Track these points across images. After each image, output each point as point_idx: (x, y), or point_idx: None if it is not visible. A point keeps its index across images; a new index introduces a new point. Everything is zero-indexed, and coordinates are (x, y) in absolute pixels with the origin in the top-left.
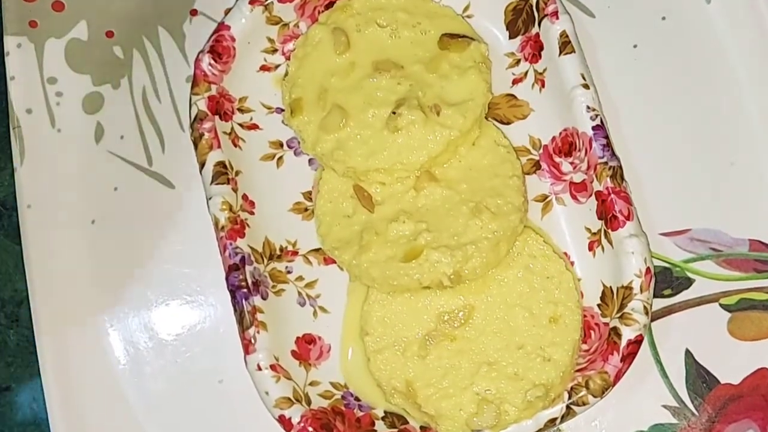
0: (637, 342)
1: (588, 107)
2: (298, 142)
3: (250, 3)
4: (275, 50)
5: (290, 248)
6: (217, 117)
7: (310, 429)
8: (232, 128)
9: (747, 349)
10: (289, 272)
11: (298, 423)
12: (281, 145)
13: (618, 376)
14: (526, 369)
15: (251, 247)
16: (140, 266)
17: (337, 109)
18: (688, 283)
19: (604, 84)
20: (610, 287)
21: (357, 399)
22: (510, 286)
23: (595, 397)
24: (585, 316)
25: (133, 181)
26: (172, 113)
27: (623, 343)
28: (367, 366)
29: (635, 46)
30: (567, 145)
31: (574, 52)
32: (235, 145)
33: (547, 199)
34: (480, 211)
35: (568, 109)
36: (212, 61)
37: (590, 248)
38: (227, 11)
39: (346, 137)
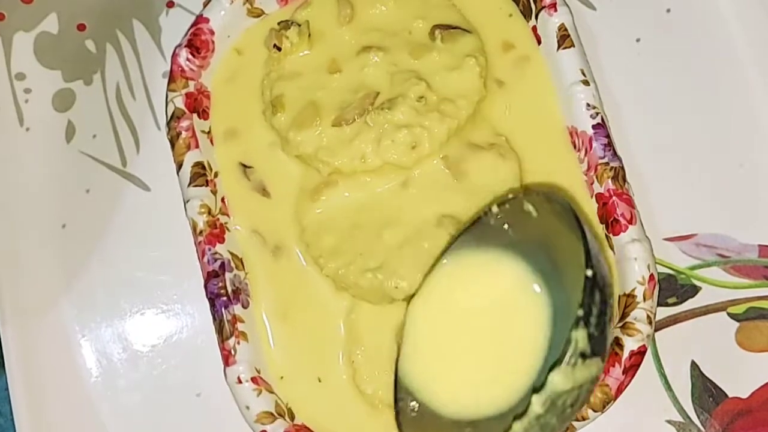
0: (640, 353)
1: (588, 105)
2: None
3: None
4: None
5: None
6: (195, 115)
7: None
8: (211, 127)
9: (756, 360)
10: None
11: None
12: None
13: (620, 390)
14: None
15: (231, 253)
16: (113, 273)
17: (310, 105)
18: (694, 290)
19: (605, 80)
20: None
21: None
22: None
23: (595, 411)
24: None
25: (106, 182)
26: (147, 111)
27: (625, 354)
28: (352, 378)
29: (638, 40)
30: None
31: (574, 46)
32: (214, 145)
33: None
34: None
35: (567, 107)
36: (190, 56)
37: None
38: (206, 3)
39: (331, 137)
